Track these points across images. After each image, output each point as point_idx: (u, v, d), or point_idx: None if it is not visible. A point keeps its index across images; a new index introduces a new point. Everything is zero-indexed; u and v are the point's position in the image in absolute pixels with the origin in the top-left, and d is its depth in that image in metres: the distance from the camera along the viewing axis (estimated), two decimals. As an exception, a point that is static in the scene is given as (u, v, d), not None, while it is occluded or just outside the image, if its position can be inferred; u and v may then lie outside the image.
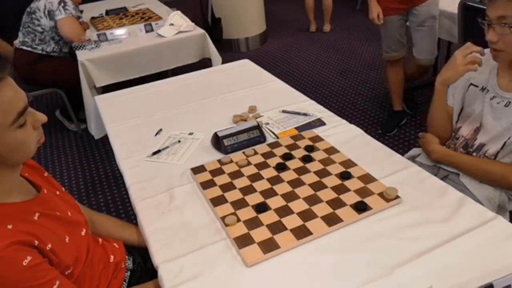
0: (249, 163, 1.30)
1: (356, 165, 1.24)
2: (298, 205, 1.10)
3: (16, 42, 2.98)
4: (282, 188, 1.18)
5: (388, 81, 2.88)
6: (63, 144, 3.18)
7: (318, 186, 1.17)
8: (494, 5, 1.19)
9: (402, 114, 2.94)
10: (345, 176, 1.19)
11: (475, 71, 1.29)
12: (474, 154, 1.38)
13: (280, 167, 1.26)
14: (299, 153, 1.33)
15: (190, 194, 1.22)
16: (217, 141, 1.39)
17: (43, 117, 0.90)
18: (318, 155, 1.31)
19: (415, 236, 0.99)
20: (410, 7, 2.50)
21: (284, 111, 1.60)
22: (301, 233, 1.01)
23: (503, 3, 1.16)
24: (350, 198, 1.11)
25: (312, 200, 1.12)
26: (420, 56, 2.63)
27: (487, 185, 1.34)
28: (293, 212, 1.08)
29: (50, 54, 2.97)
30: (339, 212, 1.07)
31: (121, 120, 1.67)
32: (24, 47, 2.94)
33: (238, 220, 1.07)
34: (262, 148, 1.38)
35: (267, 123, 1.53)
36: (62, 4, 2.82)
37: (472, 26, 2.27)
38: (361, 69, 3.89)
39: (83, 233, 1.04)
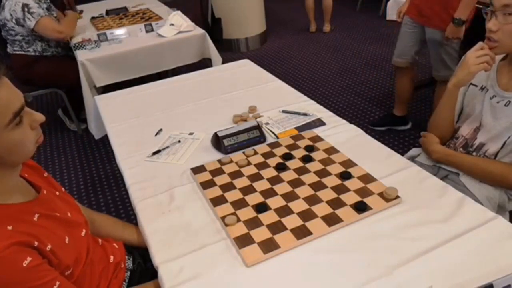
0: (249, 163, 1.30)
1: (356, 165, 1.24)
2: (298, 205, 1.10)
3: (9, 50, 2.97)
4: (282, 188, 1.18)
5: (395, 85, 2.87)
6: (63, 144, 3.18)
7: (318, 186, 1.17)
8: None
9: (400, 119, 2.89)
10: (345, 176, 1.19)
11: (487, 71, 1.29)
12: (474, 153, 1.38)
13: (280, 167, 1.26)
14: (299, 153, 1.33)
15: (190, 194, 1.22)
16: (217, 141, 1.39)
17: (40, 117, 0.90)
18: (318, 155, 1.31)
19: (415, 236, 0.99)
20: (421, 23, 2.44)
21: (284, 111, 1.60)
22: (301, 233, 1.01)
23: None
24: (350, 198, 1.11)
25: (312, 200, 1.12)
26: (433, 68, 2.58)
27: (487, 184, 1.34)
28: (293, 212, 1.08)
29: (43, 54, 2.95)
30: (339, 212, 1.07)
31: (121, 120, 1.67)
32: (17, 52, 2.92)
33: (238, 220, 1.07)
34: (262, 148, 1.38)
35: (267, 123, 1.53)
36: (26, 9, 2.74)
37: (472, 26, 2.27)
38: (361, 69, 3.89)
39: (83, 233, 1.04)
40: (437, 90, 2.58)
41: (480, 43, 1.28)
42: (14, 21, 2.78)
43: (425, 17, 2.39)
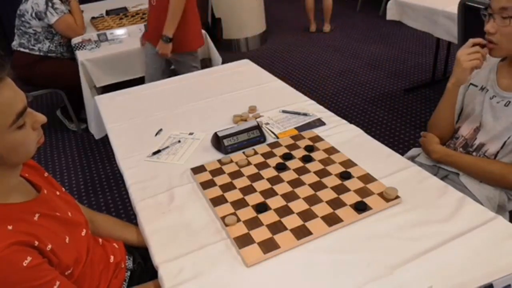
0: (249, 163, 1.30)
1: (356, 165, 1.24)
2: (298, 205, 1.10)
3: (14, 44, 2.97)
4: (282, 188, 1.18)
5: None
6: (63, 144, 3.18)
7: (318, 186, 1.17)
8: None
9: None
10: (345, 176, 1.19)
11: (477, 68, 1.30)
12: (474, 153, 1.38)
13: (280, 167, 1.26)
14: (299, 153, 1.33)
15: (190, 194, 1.22)
16: (217, 141, 1.39)
17: (42, 118, 0.90)
18: (318, 155, 1.31)
19: (415, 236, 0.99)
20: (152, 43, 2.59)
21: (284, 111, 1.60)
22: (301, 233, 1.01)
23: None
24: (350, 198, 1.11)
25: (312, 200, 1.12)
26: None
27: (487, 184, 1.34)
28: (293, 212, 1.08)
29: (47, 54, 2.96)
30: (339, 212, 1.07)
31: (121, 120, 1.67)
32: (22, 49, 2.93)
33: (238, 220, 1.07)
34: (262, 148, 1.38)
35: (267, 123, 1.53)
36: (50, 4, 2.78)
37: (472, 26, 2.27)
38: (361, 69, 3.89)
39: (83, 233, 1.04)
40: None
41: (470, 40, 1.29)
42: (34, 14, 2.81)
43: (152, 37, 2.57)
